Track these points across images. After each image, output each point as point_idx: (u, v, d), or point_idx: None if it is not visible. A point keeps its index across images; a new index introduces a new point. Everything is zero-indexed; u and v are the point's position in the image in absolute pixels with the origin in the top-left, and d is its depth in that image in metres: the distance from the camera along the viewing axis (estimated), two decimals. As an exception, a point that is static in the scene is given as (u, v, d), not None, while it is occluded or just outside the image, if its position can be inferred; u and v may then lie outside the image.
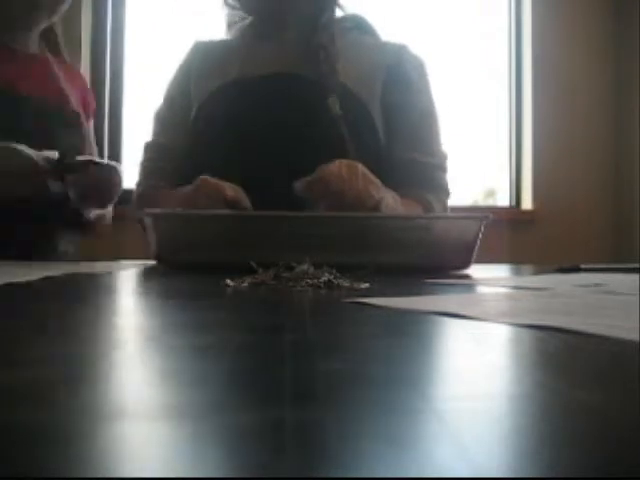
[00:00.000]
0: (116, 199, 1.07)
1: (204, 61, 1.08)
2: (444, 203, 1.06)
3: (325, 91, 0.97)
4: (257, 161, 0.94)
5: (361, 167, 0.83)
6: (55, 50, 1.23)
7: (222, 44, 1.12)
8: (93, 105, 1.29)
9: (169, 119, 1.08)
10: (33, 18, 1.11)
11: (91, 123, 1.27)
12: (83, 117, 1.19)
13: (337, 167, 0.81)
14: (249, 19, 1.12)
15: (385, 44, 1.09)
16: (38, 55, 1.17)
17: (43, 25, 1.14)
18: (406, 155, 1.03)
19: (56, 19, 1.16)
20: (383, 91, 1.03)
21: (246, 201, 0.82)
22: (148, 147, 1.10)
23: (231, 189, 0.82)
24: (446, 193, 1.07)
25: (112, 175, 1.02)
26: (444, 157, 1.08)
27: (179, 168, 1.02)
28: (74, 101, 1.18)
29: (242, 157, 0.95)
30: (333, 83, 0.98)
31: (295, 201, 0.81)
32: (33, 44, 1.16)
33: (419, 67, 1.08)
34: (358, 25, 1.11)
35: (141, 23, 2.34)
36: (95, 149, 1.26)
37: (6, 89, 1.06)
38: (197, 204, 0.81)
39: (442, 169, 1.07)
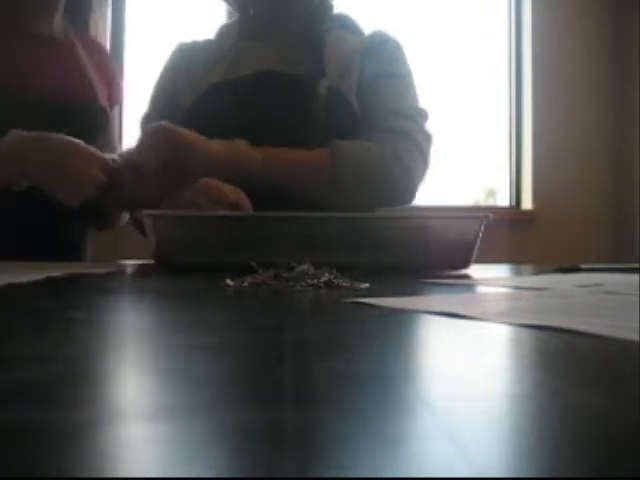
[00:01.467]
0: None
1: (191, 63, 1.07)
2: (395, 147, 0.93)
3: (312, 82, 0.97)
4: None
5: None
6: (81, 30, 1.14)
7: (208, 45, 1.10)
8: (121, 90, 1.21)
9: (153, 120, 1.07)
10: None
11: (115, 110, 1.19)
12: (109, 110, 1.13)
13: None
14: (236, 19, 1.11)
15: (365, 37, 1.09)
16: (63, 41, 1.09)
17: (63, 3, 1.07)
18: (365, 111, 0.99)
19: None
20: (359, 71, 1.03)
21: (247, 203, 0.82)
22: None
23: (233, 192, 0.82)
24: (409, 139, 0.96)
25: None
26: (413, 110, 1.00)
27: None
28: (101, 92, 1.12)
29: None
30: (322, 74, 0.98)
31: (284, 201, 0.81)
32: (57, 27, 1.08)
33: (392, 42, 1.07)
34: (344, 24, 1.11)
35: (141, 23, 2.34)
36: (116, 141, 1.19)
37: (13, 80, 0.99)
38: (198, 206, 0.81)
39: (402, 116, 0.98)
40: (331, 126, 0.95)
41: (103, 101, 1.12)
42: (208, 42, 1.12)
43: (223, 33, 1.12)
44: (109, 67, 1.19)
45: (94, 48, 1.17)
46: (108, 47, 2.26)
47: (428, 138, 0.99)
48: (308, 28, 1.05)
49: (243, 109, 0.98)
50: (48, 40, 1.07)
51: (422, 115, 1.01)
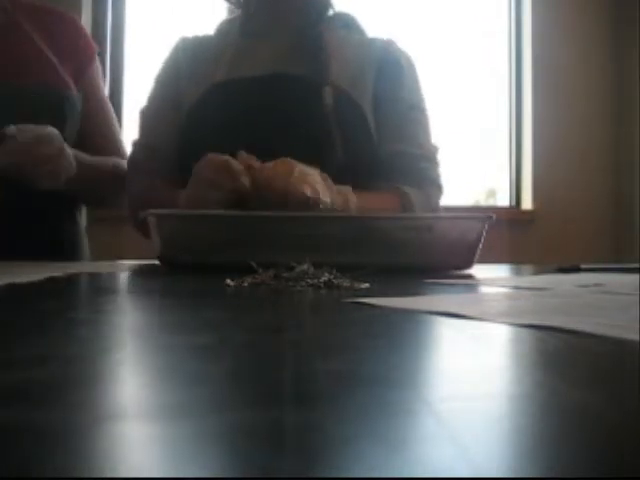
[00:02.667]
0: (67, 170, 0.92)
1: (194, 60, 1.06)
2: (431, 195, 1.02)
3: (318, 84, 0.97)
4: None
5: (300, 166, 0.79)
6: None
7: (209, 41, 1.09)
8: (89, 50, 1.12)
9: (158, 118, 1.06)
10: None
11: (91, 71, 1.11)
12: (72, 83, 1.05)
13: (271, 164, 0.79)
14: (237, 15, 1.11)
15: (372, 40, 1.09)
16: (7, 23, 1.01)
17: None
18: (392, 147, 1.02)
19: None
20: (374, 87, 1.03)
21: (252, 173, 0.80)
22: (136, 146, 1.08)
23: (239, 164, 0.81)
24: (435, 185, 1.04)
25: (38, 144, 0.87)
26: (434, 150, 1.06)
27: (169, 168, 1.01)
28: (57, 66, 1.03)
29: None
30: (327, 76, 0.98)
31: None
32: None
33: (406, 61, 1.08)
34: (346, 24, 1.11)
35: (141, 22, 2.34)
36: (103, 107, 1.13)
37: None
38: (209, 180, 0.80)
39: (430, 161, 1.05)
40: (342, 129, 0.95)
41: (64, 76, 1.05)
42: (209, 38, 1.11)
43: (223, 30, 1.11)
44: (69, 31, 1.10)
45: (46, 15, 1.08)
46: (108, 46, 2.26)
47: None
48: (308, 26, 1.05)
49: (248, 110, 0.97)
50: None
51: (438, 154, 1.07)
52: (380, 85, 1.04)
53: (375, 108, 1.02)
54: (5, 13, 1.03)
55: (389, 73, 1.05)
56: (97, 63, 1.15)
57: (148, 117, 1.08)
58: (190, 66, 1.06)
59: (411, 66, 1.08)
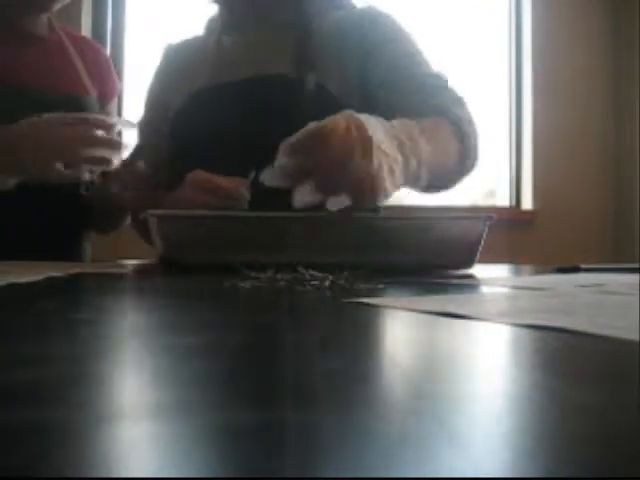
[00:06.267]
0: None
1: (178, 67, 1.07)
2: (461, 113, 0.94)
3: (301, 82, 0.96)
4: (237, 168, 0.91)
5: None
6: (69, 26, 1.13)
7: (194, 43, 1.10)
8: (115, 84, 1.18)
9: (148, 125, 1.07)
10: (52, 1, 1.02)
11: (112, 107, 1.17)
12: (101, 103, 1.11)
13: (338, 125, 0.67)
14: (217, 13, 1.10)
15: (356, 15, 1.06)
16: (49, 37, 1.08)
17: (58, 6, 1.05)
18: (396, 76, 0.99)
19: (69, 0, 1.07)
20: (366, 69, 1.01)
21: (242, 191, 0.81)
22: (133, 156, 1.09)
23: (225, 181, 0.82)
24: (463, 104, 0.99)
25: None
26: (440, 73, 1.02)
27: (159, 173, 1.01)
28: (91, 85, 1.10)
29: (221, 165, 0.92)
30: (310, 71, 0.97)
31: (275, 204, 0.81)
32: (43, 25, 1.07)
33: (390, 22, 1.06)
34: (338, 4, 1.08)
35: (141, 22, 2.34)
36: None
37: (10, 79, 0.99)
38: (198, 202, 0.80)
39: (439, 79, 1.01)
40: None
41: (94, 94, 1.10)
42: (195, 40, 1.11)
43: (210, 27, 1.11)
44: (100, 61, 1.17)
45: (82, 43, 1.16)
46: (108, 47, 2.26)
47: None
48: (295, 13, 1.03)
49: (231, 115, 0.97)
50: (34, 37, 1.06)
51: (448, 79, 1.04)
52: (366, 59, 1.00)
53: (376, 88, 1.00)
54: (51, 29, 1.10)
55: (374, 41, 1.01)
56: (116, 101, 1.20)
57: (145, 130, 1.09)
58: (175, 74, 1.07)
59: (394, 24, 1.05)
